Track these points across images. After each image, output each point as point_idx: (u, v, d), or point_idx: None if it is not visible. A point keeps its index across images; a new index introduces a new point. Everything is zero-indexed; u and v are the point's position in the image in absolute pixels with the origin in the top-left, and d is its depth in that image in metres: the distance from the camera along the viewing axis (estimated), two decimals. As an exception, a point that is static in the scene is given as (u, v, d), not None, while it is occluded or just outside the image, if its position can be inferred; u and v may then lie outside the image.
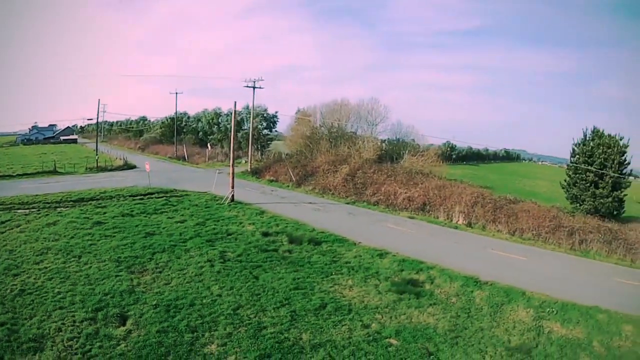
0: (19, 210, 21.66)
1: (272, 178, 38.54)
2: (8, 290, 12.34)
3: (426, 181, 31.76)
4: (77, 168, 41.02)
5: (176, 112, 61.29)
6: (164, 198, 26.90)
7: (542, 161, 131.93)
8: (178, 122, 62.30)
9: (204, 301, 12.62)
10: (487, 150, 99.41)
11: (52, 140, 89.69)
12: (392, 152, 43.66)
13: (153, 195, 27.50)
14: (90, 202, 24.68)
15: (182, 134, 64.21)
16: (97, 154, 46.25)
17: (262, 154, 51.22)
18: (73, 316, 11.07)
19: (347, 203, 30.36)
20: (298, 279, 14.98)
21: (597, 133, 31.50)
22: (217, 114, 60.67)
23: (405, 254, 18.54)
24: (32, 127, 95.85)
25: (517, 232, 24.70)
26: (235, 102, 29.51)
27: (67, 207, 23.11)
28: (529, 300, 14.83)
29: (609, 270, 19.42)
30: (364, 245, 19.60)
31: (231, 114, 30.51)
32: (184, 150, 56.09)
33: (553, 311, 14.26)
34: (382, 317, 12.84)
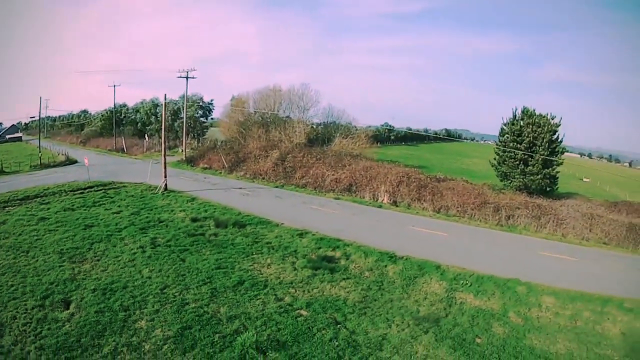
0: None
1: (206, 166, 39.08)
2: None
3: (354, 163, 32.78)
4: (22, 166, 41.06)
5: (114, 104, 60.56)
6: (102, 191, 27.93)
7: (484, 140, 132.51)
8: (118, 114, 61.71)
9: (136, 283, 13.82)
10: (427, 130, 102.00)
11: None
12: (324, 135, 45.61)
13: (92, 189, 28.43)
14: (35, 199, 25.28)
15: (121, 126, 63.62)
16: (40, 151, 45.87)
17: (198, 142, 51.78)
18: (25, 305, 12.18)
19: (276, 187, 31.94)
20: (220, 259, 16.18)
21: (526, 112, 32.34)
22: (155, 105, 60.56)
23: (325, 233, 19.53)
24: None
25: (442, 209, 25.33)
26: (165, 94, 30.63)
27: (14, 205, 23.68)
28: (443, 273, 15.28)
29: (535, 245, 19.97)
30: (286, 226, 20.74)
31: (167, 104, 32.31)
32: (123, 142, 56.03)
33: (467, 283, 14.51)
34: (296, 291, 13.83)
